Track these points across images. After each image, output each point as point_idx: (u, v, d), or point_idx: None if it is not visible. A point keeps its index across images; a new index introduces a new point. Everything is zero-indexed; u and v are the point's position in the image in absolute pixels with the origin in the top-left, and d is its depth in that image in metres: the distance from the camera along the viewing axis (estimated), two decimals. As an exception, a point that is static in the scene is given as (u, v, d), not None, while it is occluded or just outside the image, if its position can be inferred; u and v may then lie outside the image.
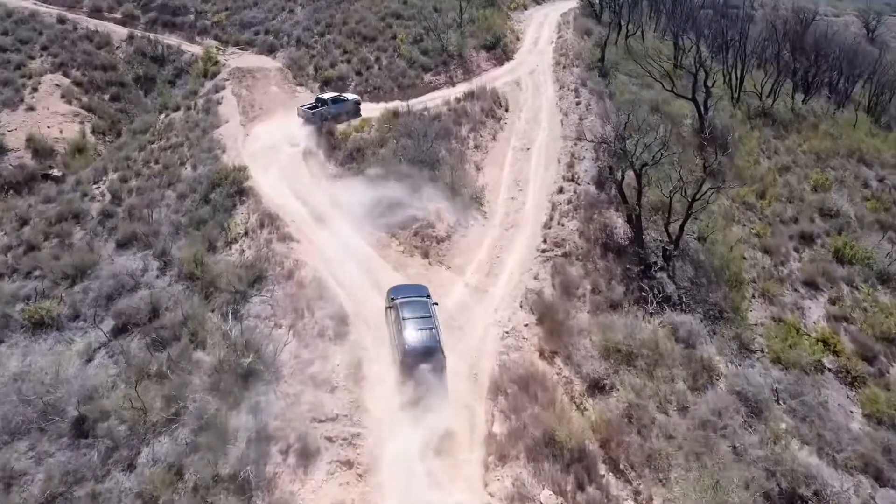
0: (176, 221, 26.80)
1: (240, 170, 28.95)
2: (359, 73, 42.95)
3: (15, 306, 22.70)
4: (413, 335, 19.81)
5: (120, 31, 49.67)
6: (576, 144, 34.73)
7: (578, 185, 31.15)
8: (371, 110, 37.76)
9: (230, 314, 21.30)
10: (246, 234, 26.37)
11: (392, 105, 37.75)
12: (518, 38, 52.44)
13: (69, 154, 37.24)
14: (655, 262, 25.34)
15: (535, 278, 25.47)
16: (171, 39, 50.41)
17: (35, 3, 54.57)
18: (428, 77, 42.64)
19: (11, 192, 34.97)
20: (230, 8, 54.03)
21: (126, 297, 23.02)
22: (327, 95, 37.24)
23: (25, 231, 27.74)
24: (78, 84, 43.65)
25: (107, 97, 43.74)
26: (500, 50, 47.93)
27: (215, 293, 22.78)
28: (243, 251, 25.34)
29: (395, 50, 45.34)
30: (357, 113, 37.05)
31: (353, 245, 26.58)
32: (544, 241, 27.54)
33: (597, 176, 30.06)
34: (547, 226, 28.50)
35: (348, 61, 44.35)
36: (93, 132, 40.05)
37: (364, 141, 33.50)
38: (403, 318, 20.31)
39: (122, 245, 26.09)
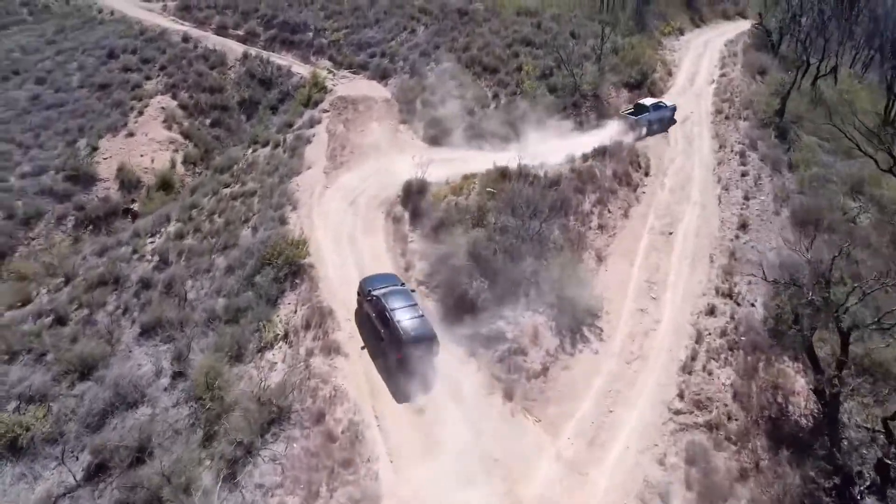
0: (210, 309, 21.48)
1: (298, 245, 23.09)
2: (471, 113, 35.98)
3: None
4: (409, 324, 18.77)
5: (237, 50, 46.66)
6: (738, 237, 25.34)
7: (738, 304, 21.95)
8: (476, 163, 30.63)
9: (220, 481, 15.30)
10: (286, 336, 20.37)
11: (503, 158, 30.30)
12: (670, 73, 42.72)
13: (153, 188, 33.99)
14: (861, 474, 15.92)
15: (661, 464, 17.05)
16: (286, 59, 46.60)
17: (173, 21, 53.71)
18: (553, 122, 34.60)
19: (91, 227, 32.20)
20: (350, 26, 49.33)
21: (120, 415, 17.96)
22: (649, 101, 34.47)
23: (63, 294, 23.92)
24: (183, 107, 40.83)
25: (208, 122, 40.54)
26: (646, 89, 38.77)
27: (220, 434, 16.97)
28: (274, 366, 19.36)
29: (518, 85, 37.84)
30: (672, 121, 34.42)
31: (417, 367, 19.67)
32: (680, 397, 18.91)
33: (769, 308, 20.63)
34: (686, 368, 19.80)
35: (462, 96, 37.53)
36: (184, 162, 36.72)
37: (458, 209, 26.41)
38: (392, 309, 19.17)
39: (147, 331, 21.22)
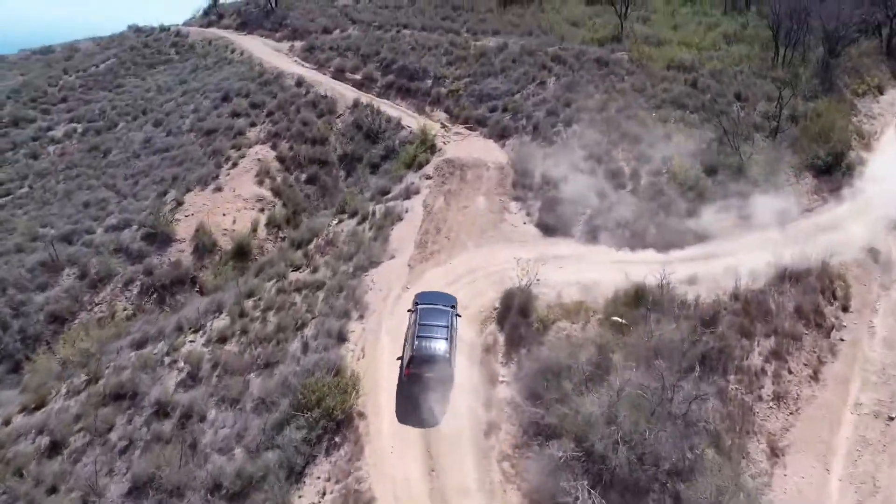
0: (217, 472, 15.90)
1: (346, 389, 17.05)
2: (601, 195, 28.40)
3: None
4: (426, 342, 17.55)
5: (349, 97, 42.71)
6: None
7: None
8: (601, 268, 23.19)
9: None
10: (300, 539, 14.31)
11: (638, 264, 22.61)
12: (868, 147, 32.50)
13: (227, 255, 30.06)
14: None
15: None
16: (399, 108, 41.96)
17: (295, 62, 51.56)
18: (710, 216, 26.11)
19: (155, 295, 28.79)
20: (473, 74, 43.60)
21: None
22: None
23: (75, 404, 19.69)
24: (281, 159, 37.20)
25: (304, 177, 36.51)
26: (840, 175, 29.07)
27: None
28: None
29: (665, 163, 29.71)
30: None
31: None
32: None
33: None
34: None
35: (591, 170, 30.12)
36: (268, 224, 32.68)
37: (571, 345, 19.10)
38: (419, 324, 18.03)
39: (137, 489, 16.10)
